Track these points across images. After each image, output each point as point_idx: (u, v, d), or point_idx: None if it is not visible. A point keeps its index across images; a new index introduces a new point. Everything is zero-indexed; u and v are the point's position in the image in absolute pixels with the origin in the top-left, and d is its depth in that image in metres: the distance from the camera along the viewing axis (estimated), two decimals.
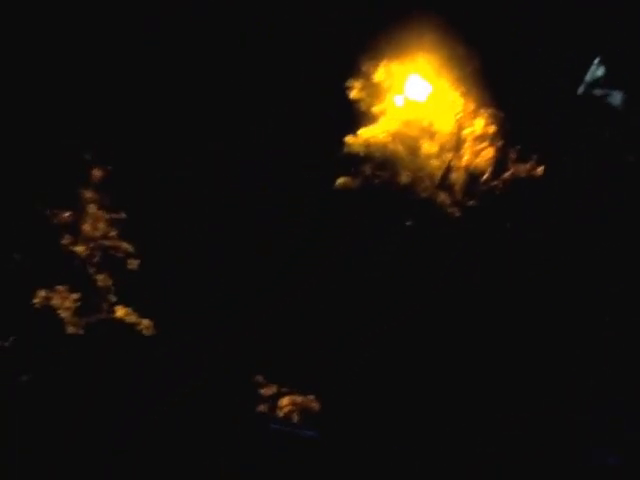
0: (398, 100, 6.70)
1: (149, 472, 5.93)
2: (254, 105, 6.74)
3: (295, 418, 6.62)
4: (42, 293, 6.28)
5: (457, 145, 6.71)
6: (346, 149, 6.66)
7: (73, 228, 6.45)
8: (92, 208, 6.49)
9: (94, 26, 6.40)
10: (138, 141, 6.61)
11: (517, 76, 6.61)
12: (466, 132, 6.69)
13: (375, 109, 6.67)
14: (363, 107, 6.65)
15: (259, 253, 6.73)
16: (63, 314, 6.31)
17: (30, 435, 5.78)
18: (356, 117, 6.65)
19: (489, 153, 6.74)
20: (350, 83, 6.61)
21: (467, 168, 6.71)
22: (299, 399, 6.71)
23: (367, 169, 6.73)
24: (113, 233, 6.51)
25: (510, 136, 6.79)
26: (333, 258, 6.79)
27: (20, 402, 5.94)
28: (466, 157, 6.70)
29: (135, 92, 6.60)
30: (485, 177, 6.78)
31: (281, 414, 6.63)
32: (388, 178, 6.76)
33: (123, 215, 6.51)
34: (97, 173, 6.51)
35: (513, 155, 6.78)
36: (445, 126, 6.69)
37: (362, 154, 6.67)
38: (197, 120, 6.71)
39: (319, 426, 6.60)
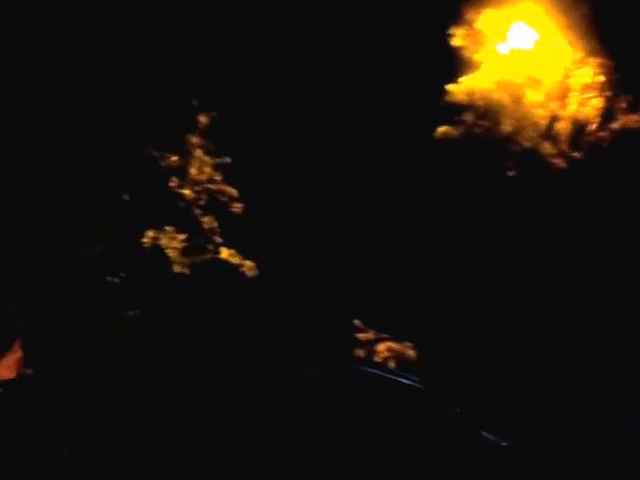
0: (502, 48, 6.61)
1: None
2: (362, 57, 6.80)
3: (391, 364, 6.72)
4: (151, 233, 6.58)
5: (563, 94, 6.56)
6: (448, 97, 6.63)
7: (181, 172, 6.72)
8: (199, 153, 6.73)
9: None
10: (245, 89, 6.80)
11: (628, 22, 6.40)
12: (573, 81, 6.55)
13: (478, 57, 6.60)
14: (466, 55, 6.61)
15: (366, 200, 6.83)
16: (170, 253, 6.60)
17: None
18: (459, 65, 6.62)
19: (597, 103, 6.57)
20: (453, 30, 6.57)
21: (573, 118, 6.57)
22: (396, 346, 6.80)
23: (469, 118, 6.70)
24: (218, 177, 6.74)
25: (620, 86, 6.59)
26: (435, 207, 6.82)
27: (128, 336, 6.26)
28: (572, 107, 6.55)
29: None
30: (592, 127, 6.62)
31: (378, 359, 6.74)
32: (490, 127, 6.70)
33: (228, 160, 6.73)
34: (203, 119, 6.73)
35: (622, 105, 6.59)
36: (551, 74, 6.56)
37: (464, 102, 6.64)
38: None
39: (415, 374, 6.68)
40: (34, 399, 6.12)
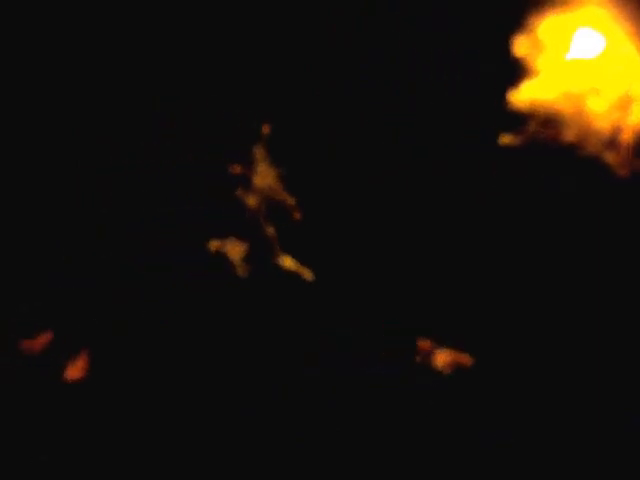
0: (565, 55, 6.52)
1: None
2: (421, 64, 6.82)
3: (448, 372, 6.75)
4: (216, 241, 6.82)
5: (628, 104, 6.42)
6: (509, 106, 6.59)
7: (245, 181, 6.92)
8: (262, 163, 6.92)
9: None
10: (307, 101, 6.93)
11: None
12: (638, 90, 6.39)
13: (540, 65, 6.53)
14: (527, 63, 6.55)
15: (421, 207, 6.87)
16: (233, 260, 6.83)
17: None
18: (520, 73, 6.56)
19: None
20: (514, 38, 6.51)
21: (638, 128, 6.42)
22: (453, 354, 6.83)
23: (531, 126, 6.64)
24: (280, 187, 6.91)
25: None
26: (494, 215, 6.79)
27: (187, 338, 6.51)
28: (637, 116, 6.40)
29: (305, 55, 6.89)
30: None
31: (435, 368, 6.78)
32: (552, 136, 6.62)
33: (290, 170, 6.89)
34: (267, 129, 6.91)
35: None
36: (615, 83, 6.43)
37: (526, 111, 6.58)
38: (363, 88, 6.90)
39: (471, 382, 6.70)
40: (102, 400, 6.46)
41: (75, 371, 6.42)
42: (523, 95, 6.57)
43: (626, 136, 6.43)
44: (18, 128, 6.47)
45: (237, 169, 6.94)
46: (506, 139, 6.69)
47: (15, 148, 6.49)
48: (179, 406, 6.22)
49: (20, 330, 6.08)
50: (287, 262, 6.84)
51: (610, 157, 6.47)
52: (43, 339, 6.14)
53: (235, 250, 6.85)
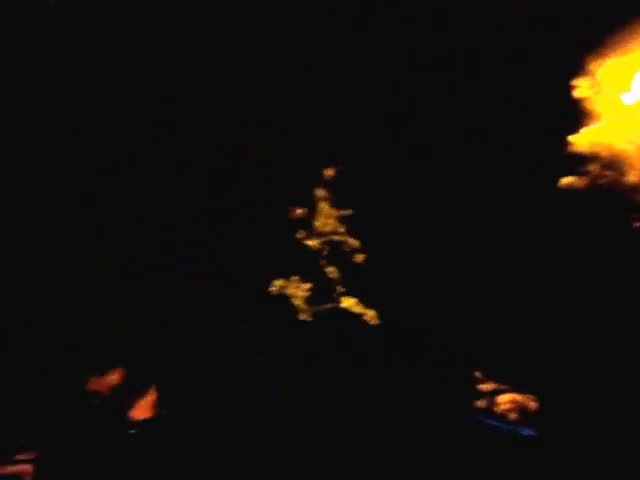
0: (625, 98, 6.55)
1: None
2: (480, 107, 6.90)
3: (513, 416, 6.70)
4: (279, 282, 6.91)
5: None
6: (571, 148, 6.63)
7: (306, 224, 7.03)
8: (324, 205, 7.03)
9: None
10: (367, 143, 7.05)
11: None
12: None
13: (601, 107, 6.58)
14: (588, 106, 6.59)
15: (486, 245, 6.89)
16: (296, 302, 6.91)
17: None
18: (581, 116, 6.60)
19: None
20: (574, 81, 6.58)
21: None
22: (518, 397, 6.78)
23: (593, 168, 6.66)
24: (342, 229, 7.01)
25: None
26: (557, 258, 6.79)
27: (254, 381, 6.56)
28: None
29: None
30: None
31: (498, 411, 6.74)
32: (615, 178, 6.63)
33: (351, 212, 6.99)
34: (329, 172, 7.04)
35: None
36: None
37: (587, 153, 6.61)
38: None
39: (538, 426, 6.63)
40: (169, 440, 6.50)
41: (140, 411, 6.50)
42: (584, 137, 6.60)
43: None
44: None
45: (298, 211, 7.06)
46: (568, 181, 6.71)
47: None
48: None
49: (90, 368, 6.20)
50: (350, 304, 6.90)
51: None
52: (112, 378, 6.25)
53: (297, 290, 6.94)
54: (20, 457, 5.93)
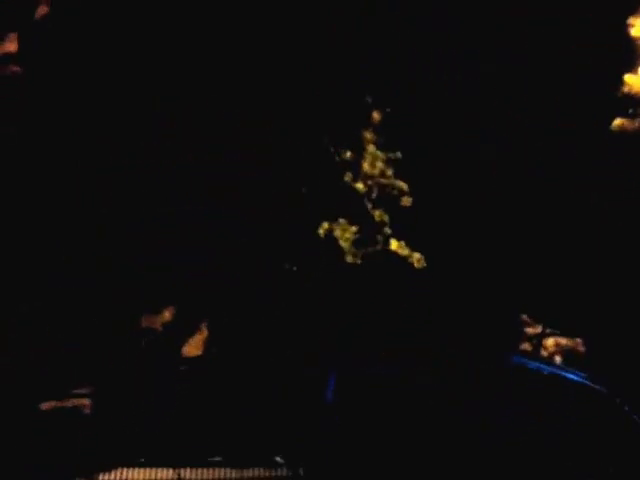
0: None
1: None
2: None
3: (558, 360, 6.72)
4: (325, 225, 6.97)
5: None
6: (626, 89, 6.46)
7: (354, 166, 7.04)
8: (371, 148, 7.01)
9: None
10: (416, 85, 6.98)
11: None
12: None
13: None
14: None
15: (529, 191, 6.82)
16: (343, 244, 6.96)
17: None
18: (637, 56, 6.41)
19: None
20: (631, 20, 6.37)
21: None
22: (565, 341, 6.78)
23: None
24: (389, 172, 7.00)
25: None
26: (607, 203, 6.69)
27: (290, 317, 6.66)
28: None
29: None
30: None
31: (545, 354, 6.76)
32: None
33: (399, 155, 6.97)
34: (376, 115, 7.00)
35: None
36: None
37: None
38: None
39: (585, 371, 6.63)
40: (217, 378, 6.69)
41: (192, 348, 6.69)
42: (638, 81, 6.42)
43: None
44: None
45: (346, 154, 7.07)
46: (620, 122, 6.55)
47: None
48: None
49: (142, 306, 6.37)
50: (397, 246, 6.93)
51: None
52: (165, 315, 6.43)
53: (344, 233, 6.99)
54: (78, 391, 6.18)
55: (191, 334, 6.66)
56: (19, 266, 6.46)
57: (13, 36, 6.58)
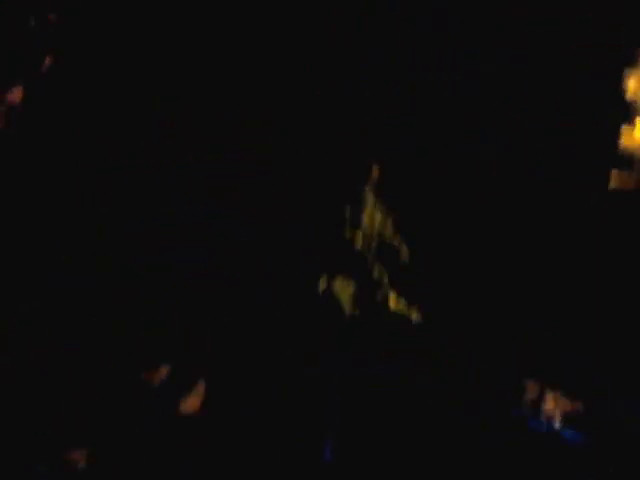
0: None
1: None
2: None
3: (557, 419, 6.63)
4: (324, 279, 6.97)
5: None
6: (622, 144, 6.45)
7: (353, 221, 7.05)
8: (370, 203, 7.03)
9: None
10: (412, 142, 7.00)
11: None
12: None
13: None
14: (639, 99, 6.40)
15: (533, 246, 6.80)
16: (342, 299, 6.95)
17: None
18: (632, 110, 6.40)
19: None
20: (626, 74, 6.38)
21: None
22: (563, 401, 6.70)
23: None
24: (389, 226, 7.00)
25: None
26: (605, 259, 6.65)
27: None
28: None
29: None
30: None
31: (543, 414, 6.68)
32: None
33: (398, 210, 6.97)
34: (376, 170, 7.03)
35: None
36: None
37: (638, 149, 6.41)
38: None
39: (584, 431, 6.55)
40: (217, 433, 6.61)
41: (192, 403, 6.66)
42: (635, 132, 6.40)
43: None
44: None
45: (345, 209, 7.08)
46: (618, 178, 6.53)
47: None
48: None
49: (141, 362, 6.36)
50: (395, 302, 6.90)
51: None
52: (163, 372, 6.41)
53: (344, 288, 6.98)
54: (73, 448, 6.16)
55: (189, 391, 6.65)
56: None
57: (18, 87, 6.68)
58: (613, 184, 6.48)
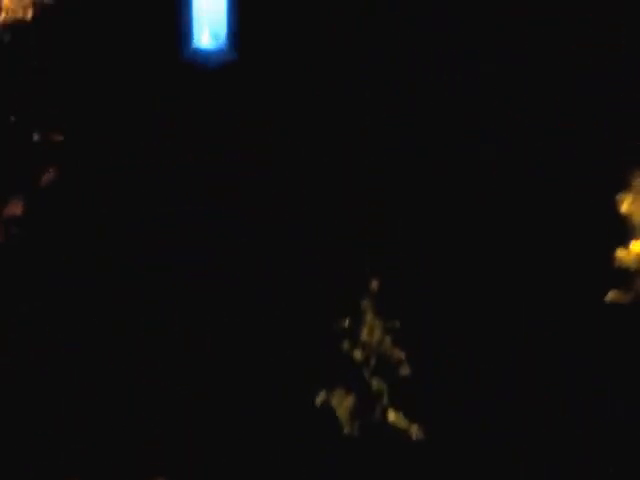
0: None
1: None
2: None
3: None
4: (323, 393, 6.82)
5: None
6: (617, 263, 6.64)
7: (352, 334, 7.00)
8: (369, 316, 7.01)
9: None
10: (410, 257, 7.11)
11: None
12: None
13: None
14: (634, 221, 6.64)
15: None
16: (340, 414, 6.79)
17: None
18: (627, 231, 6.64)
19: None
20: (620, 196, 6.66)
21: None
22: None
23: (639, 284, 6.63)
24: (387, 340, 6.96)
25: None
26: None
27: None
28: None
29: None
30: None
31: None
32: None
33: (397, 323, 6.96)
34: (375, 284, 7.06)
35: None
36: None
37: (633, 268, 6.60)
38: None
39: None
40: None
41: None
42: (631, 252, 6.60)
43: None
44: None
45: (344, 322, 7.05)
46: (614, 295, 6.67)
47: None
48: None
49: None
50: (394, 417, 6.76)
51: None
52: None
53: (342, 403, 6.83)
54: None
55: None
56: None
57: (18, 200, 6.68)
58: (609, 299, 6.62)
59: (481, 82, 6.58)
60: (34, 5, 6.32)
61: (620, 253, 6.62)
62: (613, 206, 6.64)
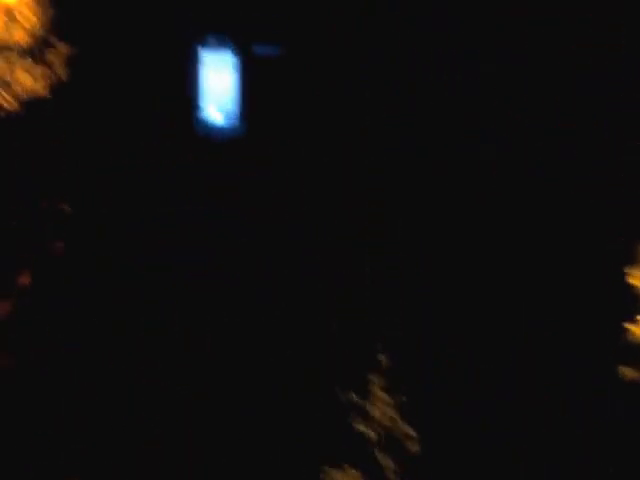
0: None
1: None
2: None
3: None
4: (334, 471, 6.74)
5: None
6: (627, 337, 6.54)
7: (361, 409, 6.95)
8: (379, 391, 6.97)
9: None
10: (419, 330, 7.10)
11: None
12: None
13: None
14: None
15: None
16: None
17: None
18: (636, 304, 6.57)
19: None
20: (628, 269, 6.62)
21: None
22: None
23: None
24: (396, 416, 6.88)
25: None
26: None
27: None
28: None
29: None
30: None
31: None
32: None
33: (405, 399, 6.90)
34: (384, 360, 7.04)
35: None
36: None
37: None
38: None
39: None
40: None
41: None
42: None
43: None
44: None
45: (353, 397, 7.00)
46: (626, 372, 6.54)
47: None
48: None
49: None
50: None
51: None
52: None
53: (349, 479, 6.71)
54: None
55: None
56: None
57: (27, 271, 6.91)
58: (620, 377, 6.49)
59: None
60: (49, 79, 6.66)
61: (630, 327, 6.53)
62: (621, 278, 6.61)
